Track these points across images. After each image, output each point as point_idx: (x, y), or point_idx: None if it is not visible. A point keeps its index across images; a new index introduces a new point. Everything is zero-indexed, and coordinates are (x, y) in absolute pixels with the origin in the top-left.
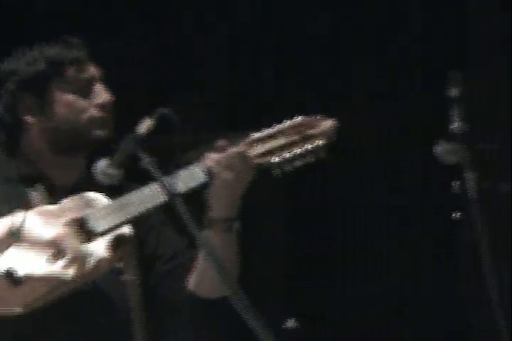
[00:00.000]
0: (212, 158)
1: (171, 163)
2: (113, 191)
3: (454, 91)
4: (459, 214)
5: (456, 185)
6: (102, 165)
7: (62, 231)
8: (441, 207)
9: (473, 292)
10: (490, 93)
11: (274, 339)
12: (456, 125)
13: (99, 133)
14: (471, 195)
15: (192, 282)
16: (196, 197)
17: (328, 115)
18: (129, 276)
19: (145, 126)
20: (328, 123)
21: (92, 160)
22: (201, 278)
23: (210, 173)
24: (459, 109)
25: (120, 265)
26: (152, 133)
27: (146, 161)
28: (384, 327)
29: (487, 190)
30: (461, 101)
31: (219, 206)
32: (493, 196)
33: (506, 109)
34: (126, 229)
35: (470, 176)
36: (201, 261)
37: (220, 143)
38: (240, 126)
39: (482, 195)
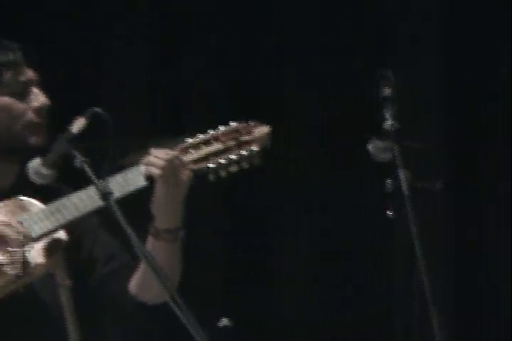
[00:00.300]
0: (149, 163)
1: (104, 163)
2: (47, 193)
3: (386, 90)
4: (392, 212)
5: (389, 183)
6: (34, 164)
7: None
8: (374, 205)
9: (407, 292)
10: (422, 91)
11: None
12: (388, 123)
13: (35, 139)
14: (404, 193)
15: (134, 286)
16: (141, 204)
17: (261, 117)
18: (60, 280)
19: (77, 125)
20: (262, 129)
21: (26, 164)
22: (143, 282)
23: (149, 177)
24: (391, 107)
25: (52, 271)
26: (84, 132)
27: (80, 160)
28: (320, 330)
29: (420, 187)
30: (393, 99)
31: (164, 217)
32: (426, 194)
33: (439, 107)
34: (60, 234)
35: (403, 174)
36: (143, 265)
37: (156, 148)
38: (174, 131)
39: (415, 192)
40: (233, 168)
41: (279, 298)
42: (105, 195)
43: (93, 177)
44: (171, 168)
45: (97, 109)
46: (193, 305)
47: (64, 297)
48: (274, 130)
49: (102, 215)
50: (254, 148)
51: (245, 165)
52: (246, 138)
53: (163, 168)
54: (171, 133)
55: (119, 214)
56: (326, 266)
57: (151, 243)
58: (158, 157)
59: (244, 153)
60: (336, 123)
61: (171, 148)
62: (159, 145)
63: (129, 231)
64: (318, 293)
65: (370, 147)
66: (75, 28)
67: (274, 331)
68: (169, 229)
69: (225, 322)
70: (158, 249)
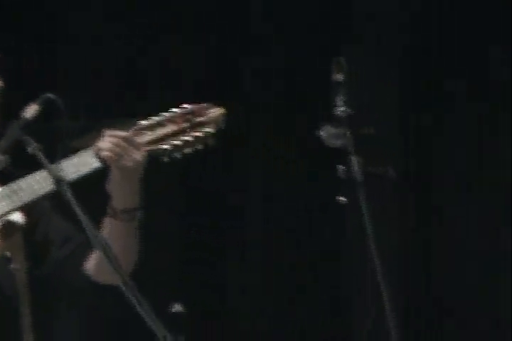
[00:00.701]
0: (103, 145)
1: (58, 148)
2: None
3: (338, 77)
4: (344, 198)
5: (341, 169)
6: None
7: None
8: (326, 192)
9: (360, 279)
10: (375, 78)
11: (163, 325)
12: (340, 109)
13: None
14: (356, 179)
15: (90, 267)
16: (99, 185)
17: (216, 103)
18: (17, 265)
19: (30, 111)
20: (216, 111)
21: None
22: (99, 263)
23: (102, 159)
24: (343, 93)
25: (8, 254)
26: (37, 118)
27: (33, 146)
28: (273, 309)
29: (372, 174)
30: (345, 86)
31: (121, 197)
32: (378, 180)
33: (392, 94)
34: (16, 216)
35: (355, 160)
36: None
37: (108, 130)
38: (128, 113)
39: (367, 178)
40: (188, 150)
41: (232, 279)
42: (58, 180)
43: (46, 163)
44: (119, 150)
45: (50, 95)
46: (146, 285)
47: (19, 281)
48: (230, 112)
49: (54, 198)
50: (209, 129)
51: (200, 146)
52: (200, 119)
53: (110, 151)
54: (126, 115)
55: (72, 200)
56: (278, 249)
57: (108, 223)
58: (105, 140)
59: (198, 134)
60: (291, 108)
61: (126, 130)
62: (114, 127)
63: (83, 216)
64: (271, 275)
65: (322, 133)
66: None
67: (228, 311)
68: (126, 209)
69: (177, 307)
70: (116, 230)
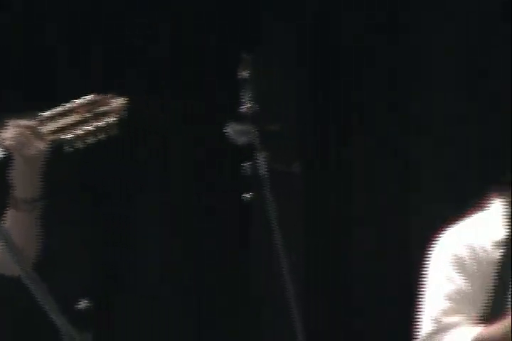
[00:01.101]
0: (6, 134)
1: None
2: None
3: (244, 73)
4: (249, 195)
5: (247, 165)
6: None
7: None
8: (232, 189)
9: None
10: (280, 74)
11: (68, 318)
12: (246, 106)
13: None
14: (262, 176)
15: None
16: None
17: (119, 93)
18: None
19: None
20: (118, 101)
21: None
22: (1, 255)
23: (5, 148)
24: (249, 89)
25: None
26: None
27: None
28: (169, 302)
29: (278, 170)
30: (251, 82)
31: (21, 186)
32: (284, 176)
33: (295, 90)
34: None
35: (261, 157)
36: None
37: (12, 120)
38: (32, 104)
39: (273, 175)
40: (90, 139)
41: (133, 269)
42: None
43: None
44: (23, 139)
45: None
46: (49, 276)
47: None
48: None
49: None
50: (111, 119)
51: (102, 136)
52: (103, 109)
53: (14, 140)
54: (29, 106)
55: None
56: (182, 246)
57: (9, 214)
58: (9, 130)
59: (101, 124)
60: (194, 106)
61: (29, 120)
62: (17, 117)
63: None
64: (174, 270)
65: (227, 130)
66: None
67: (128, 302)
68: (26, 198)
69: (83, 303)
70: (17, 220)
